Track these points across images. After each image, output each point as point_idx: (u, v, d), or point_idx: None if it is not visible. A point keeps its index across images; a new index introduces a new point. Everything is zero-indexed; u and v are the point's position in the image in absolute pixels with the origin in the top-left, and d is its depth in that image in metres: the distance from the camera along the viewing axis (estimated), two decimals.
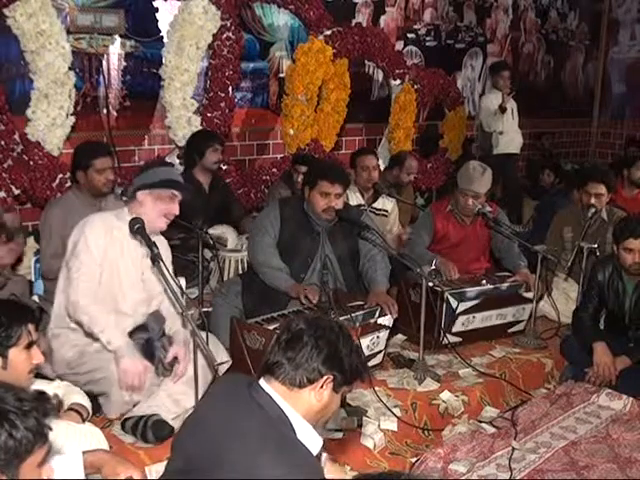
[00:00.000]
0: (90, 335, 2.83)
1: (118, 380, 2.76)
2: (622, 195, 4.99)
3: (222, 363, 3.04)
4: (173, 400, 2.81)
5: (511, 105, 6.41)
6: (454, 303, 3.74)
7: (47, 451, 1.51)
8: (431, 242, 4.22)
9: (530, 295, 3.99)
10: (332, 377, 1.80)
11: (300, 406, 1.79)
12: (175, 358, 2.90)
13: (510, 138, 6.46)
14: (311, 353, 1.77)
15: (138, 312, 2.98)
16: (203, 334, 2.77)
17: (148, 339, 2.94)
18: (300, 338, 1.79)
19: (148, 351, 2.91)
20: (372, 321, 3.37)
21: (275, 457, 1.64)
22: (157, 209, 2.86)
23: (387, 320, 3.43)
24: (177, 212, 2.91)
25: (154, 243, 2.76)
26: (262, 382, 1.81)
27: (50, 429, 1.51)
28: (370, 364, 3.39)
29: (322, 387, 1.79)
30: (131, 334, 2.94)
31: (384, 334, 3.44)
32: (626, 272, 3.61)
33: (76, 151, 3.92)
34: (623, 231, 3.55)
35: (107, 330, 2.77)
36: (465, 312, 3.81)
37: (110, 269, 2.88)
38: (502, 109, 6.24)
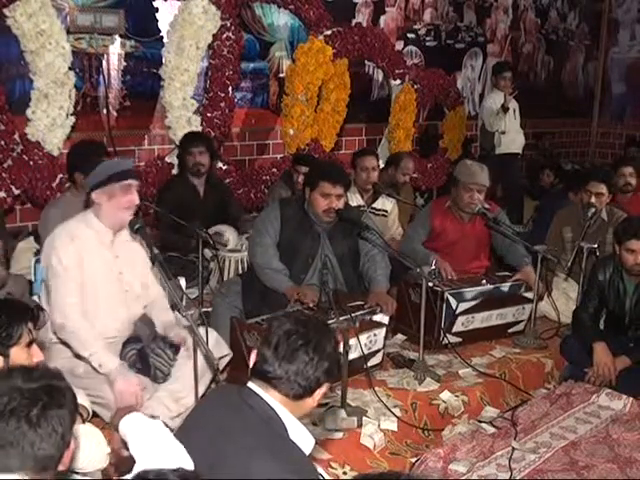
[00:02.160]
0: (78, 356, 2.79)
1: (115, 401, 2.73)
2: (617, 200, 4.95)
3: (223, 357, 3.05)
4: (174, 399, 2.81)
5: (513, 105, 6.42)
6: (454, 304, 3.74)
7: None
8: (427, 238, 4.22)
9: (530, 295, 3.99)
10: (329, 382, 1.84)
11: (298, 411, 1.82)
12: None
13: (512, 138, 6.47)
14: (312, 366, 1.77)
15: (117, 317, 2.93)
16: (202, 330, 2.77)
17: (140, 349, 2.92)
18: (298, 350, 1.77)
19: (142, 360, 2.89)
20: (367, 318, 3.37)
21: (267, 456, 1.66)
22: (115, 204, 2.80)
23: (381, 317, 3.43)
24: (137, 201, 2.85)
25: (154, 243, 2.78)
26: (253, 385, 1.81)
27: None
28: (370, 364, 3.39)
29: (320, 392, 1.83)
30: (124, 346, 2.93)
31: (381, 332, 3.43)
32: (627, 273, 3.61)
33: (72, 152, 3.89)
34: (626, 232, 3.54)
35: (96, 354, 2.73)
36: (465, 312, 3.80)
37: (86, 279, 2.83)
38: (504, 108, 6.25)
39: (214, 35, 4.91)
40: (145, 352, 2.90)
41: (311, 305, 3.32)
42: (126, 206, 2.82)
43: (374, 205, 4.80)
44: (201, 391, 2.89)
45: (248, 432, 1.71)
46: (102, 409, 2.79)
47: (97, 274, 2.86)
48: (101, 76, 4.70)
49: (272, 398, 1.78)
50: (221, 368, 3.08)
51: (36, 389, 1.44)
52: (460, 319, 3.81)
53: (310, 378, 1.77)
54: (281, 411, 1.77)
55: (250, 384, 1.82)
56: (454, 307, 3.75)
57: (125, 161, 2.90)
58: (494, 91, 6.58)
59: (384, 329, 3.45)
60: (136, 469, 1.63)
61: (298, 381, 1.76)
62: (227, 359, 3.12)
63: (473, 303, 3.82)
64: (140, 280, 3.01)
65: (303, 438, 1.81)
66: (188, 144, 4.54)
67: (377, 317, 3.42)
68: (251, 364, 1.85)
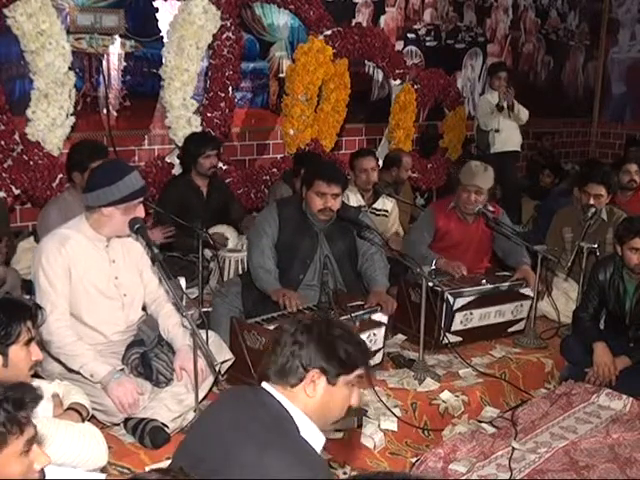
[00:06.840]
0: (70, 369, 2.78)
1: (114, 404, 2.74)
2: (617, 199, 4.94)
3: (225, 361, 3.05)
4: (176, 400, 2.81)
5: (516, 106, 6.37)
6: (451, 299, 3.74)
7: (29, 439, 1.49)
8: (432, 240, 4.22)
9: (528, 291, 3.99)
10: (319, 370, 1.79)
11: (299, 404, 1.81)
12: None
13: (507, 136, 6.44)
14: (291, 351, 1.79)
15: (116, 321, 2.92)
16: (203, 333, 2.76)
17: (143, 353, 2.90)
18: (279, 339, 1.84)
19: (145, 364, 2.87)
20: (366, 317, 3.37)
21: (280, 452, 1.68)
22: (126, 218, 2.78)
23: (380, 316, 3.43)
24: (143, 214, 2.85)
25: (154, 242, 2.78)
26: (266, 386, 1.86)
27: (25, 418, 1.49)
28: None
29: (312, 382, 1.79)
30: (127, 350, 2.92)
31: (380, 332, 3.43)
32: (630, 272, 3.60)
33: (72, 151, 3.88)
34: (629, 231, 3.52)
35: (86, 366, 2.72)
36: (462, 308, 3.80)
37: (76, 288, 2.80)
38: (499, 107, 6.25)
39: (214, 35, 4.91)
40: (148, 356, 2.89)
41: (294, 310, 3.30)
42: (135, 219, 2.81)
43: (375, 205, 4.81)
44: (203, 393, 2.90)
45: (261, 428, 1.73)
46: (102, 415, 2.79)
47: (93, 280, 2.83)
48: (101, 76, 4.70)
49: (285, 398, 1.81)
50: (222, 372, 3.07)
51: None
52: (458, 316, 3.80)
53: (291, 364, 1.79)
54: (293, 410, 1.80)
55: (264, 384, 1.86)
56: (451, 303, 3.75)
57: (138, 176, 2.82)
58: (489, 91, 6.58)
59: (383, 328, 3.44)
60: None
61: (281, 367, 1.81)
62: (229, 363, 3.10)
63: (470, 299, 3.82)
64: (139, 283, 2.98)
65: (314, 436, 1.82)
66: (203, 147, 4.50)
67: (376, 316, 3.41)
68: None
